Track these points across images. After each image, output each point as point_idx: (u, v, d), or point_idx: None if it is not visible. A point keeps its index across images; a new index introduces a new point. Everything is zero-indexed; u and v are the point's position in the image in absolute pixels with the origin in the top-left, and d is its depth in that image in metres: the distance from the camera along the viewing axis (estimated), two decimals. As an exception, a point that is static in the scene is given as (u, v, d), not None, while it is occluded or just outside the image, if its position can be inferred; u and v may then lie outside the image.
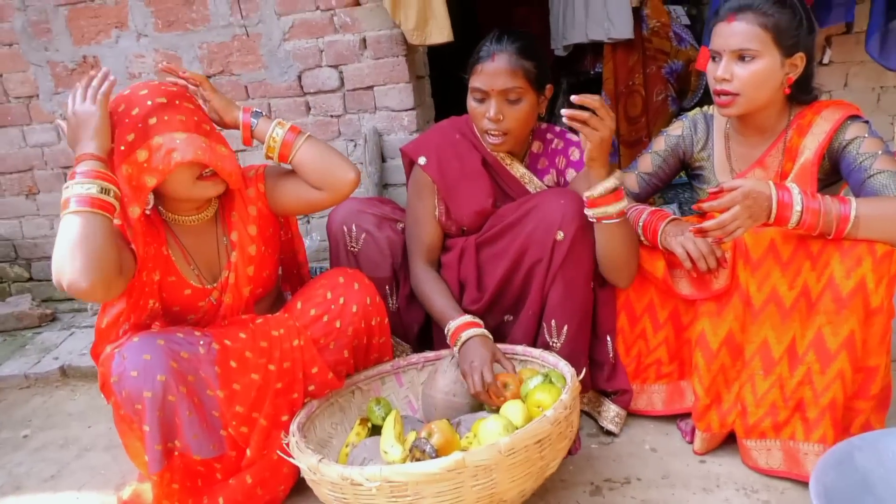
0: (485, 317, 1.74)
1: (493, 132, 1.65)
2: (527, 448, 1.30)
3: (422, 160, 1.80)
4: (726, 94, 1.52)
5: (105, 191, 1.32)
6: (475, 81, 1.64)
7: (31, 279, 3.18)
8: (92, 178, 1.32)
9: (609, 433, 1.79)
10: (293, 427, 1.50)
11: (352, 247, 1.83)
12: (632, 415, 1.83)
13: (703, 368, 1.60)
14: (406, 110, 2.65)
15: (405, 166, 1.89)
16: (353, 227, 1.81)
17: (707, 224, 1.44)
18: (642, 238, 1.70)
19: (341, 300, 1.60)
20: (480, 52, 1.66)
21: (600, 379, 1.80)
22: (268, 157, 1.57)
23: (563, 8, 3.17)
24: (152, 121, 1.38)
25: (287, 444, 1.47)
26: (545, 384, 1.52)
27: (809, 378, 1.47)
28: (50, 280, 3.01)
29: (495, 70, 1.60)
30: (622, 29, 2.82)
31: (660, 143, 1.80)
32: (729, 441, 1.66)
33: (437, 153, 1.79)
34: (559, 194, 1.66)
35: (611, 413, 1.80)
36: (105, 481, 1.87)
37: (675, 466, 1.63)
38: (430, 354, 1.82)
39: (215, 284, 1.60)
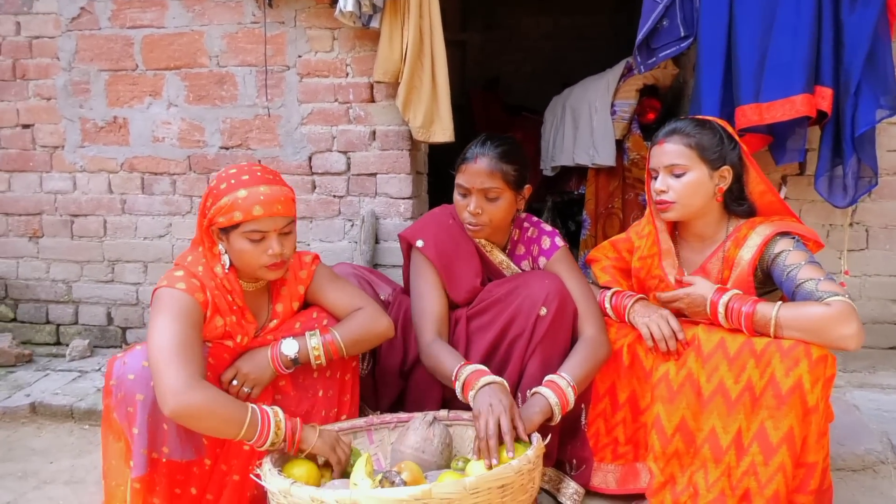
0: None
1: (472, 224, 1.83)
2: (490, 490, 1.39)
3: (419, 242, 1.91)
4: (664, 202, 1.73)
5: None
6: (460, 179, 1.81)
7: (14, 320, 3.22)
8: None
9: (567, 510, 1.84)
10: (266, 458, 1.54)
11: None
12: (588, 494, 1.89)
13: (658, 450, 1.69)
14: (404, 199, 2.84)
15: (403, 251, 2.00)
16: None
17: (663, 295, 1.75)
18: (610, 314, 1.88)
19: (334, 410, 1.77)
20: (467, 153, 1.82)
21: (571, 447, 1.87)
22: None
23: (554, 134, 3.59)
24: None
25: (258, 469, 1.52)
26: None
27: (754, 469, 1.56)
28: (32, 323, 3.14)
29: (477, 170, 1.77)
30: (605, 157, 3.16)
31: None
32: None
33: (433, 236, 1.92)
34: (543, 275, 1.81)
35: (570, 490, 1.87)
36: (64, 510, 1.85)
37: (626, 544, 1.72)
38: (403, 415, 1.89)
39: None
